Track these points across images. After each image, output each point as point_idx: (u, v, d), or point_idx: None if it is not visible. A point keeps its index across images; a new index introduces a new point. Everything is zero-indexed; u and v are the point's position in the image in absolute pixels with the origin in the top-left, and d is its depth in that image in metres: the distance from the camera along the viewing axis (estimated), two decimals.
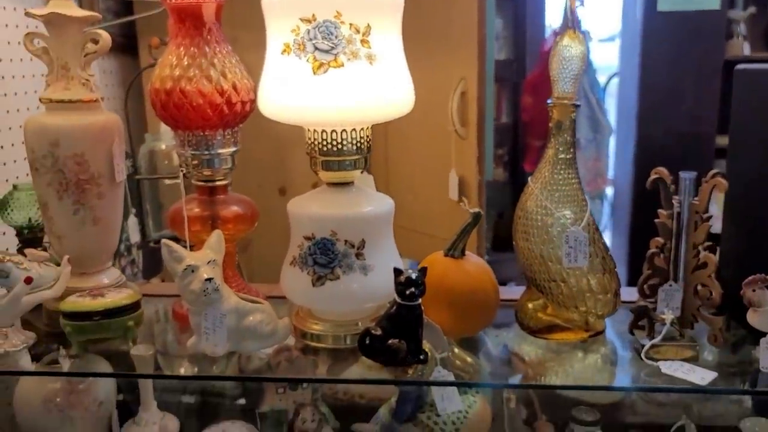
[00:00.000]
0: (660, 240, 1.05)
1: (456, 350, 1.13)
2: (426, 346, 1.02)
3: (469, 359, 1.25)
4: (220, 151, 1.11)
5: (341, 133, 1.01)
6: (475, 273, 1.08)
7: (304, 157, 1.06)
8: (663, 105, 2.71)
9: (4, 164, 1.42)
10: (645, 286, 1.06)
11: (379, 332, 0.99)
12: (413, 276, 0.97)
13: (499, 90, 3.25)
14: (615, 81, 3.11)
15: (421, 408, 1.19)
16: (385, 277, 1.05)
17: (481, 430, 1.21)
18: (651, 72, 2.71)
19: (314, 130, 1.02)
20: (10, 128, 1.48)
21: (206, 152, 1.10)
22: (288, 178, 2.09)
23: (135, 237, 1.84)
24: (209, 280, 0.99)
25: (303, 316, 1.11)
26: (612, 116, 3.09)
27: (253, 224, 1.19)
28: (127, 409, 1.37)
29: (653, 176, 1.04)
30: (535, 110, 3.09)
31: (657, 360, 1.00)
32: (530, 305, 1.11)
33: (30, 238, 1.25)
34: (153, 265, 2.00)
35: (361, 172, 1.07)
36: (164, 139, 1.80)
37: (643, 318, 1.06)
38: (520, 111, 3.22)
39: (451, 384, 1.03)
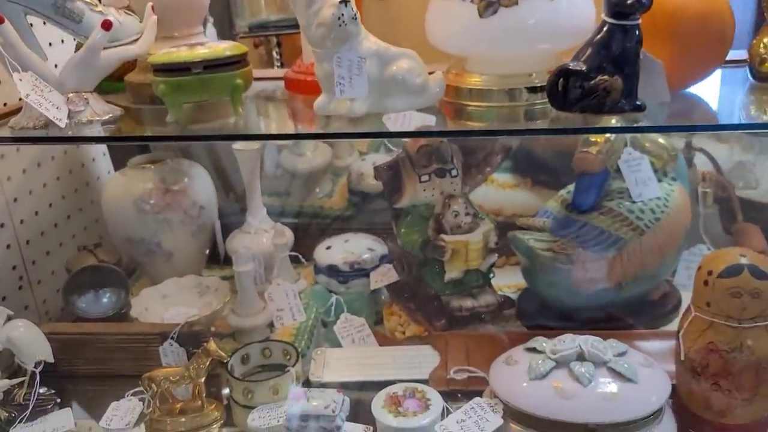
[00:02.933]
0: None
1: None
2: None
3: (660, 140, 0.98)
4: None
5: None
6: None
7: None
8: None
9: None
10: None
11: (581, 68, 0.71)
12: None
13: None
14: None
15: (608, 196, 0.94)
16: (577, 5, 0.77)
17: (683, 223, 0.95)
18: None
19: None
20: None
21: None
22: None
23: None
24: (344, 2, 0.73)
25: (458, 72, 0.85)
26: None
27: None
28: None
29: None
30: None
31: None
32: None
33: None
34: None
35: None
36: None
37: None
38: None
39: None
